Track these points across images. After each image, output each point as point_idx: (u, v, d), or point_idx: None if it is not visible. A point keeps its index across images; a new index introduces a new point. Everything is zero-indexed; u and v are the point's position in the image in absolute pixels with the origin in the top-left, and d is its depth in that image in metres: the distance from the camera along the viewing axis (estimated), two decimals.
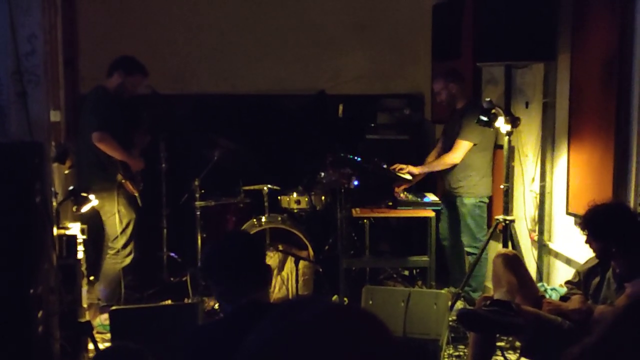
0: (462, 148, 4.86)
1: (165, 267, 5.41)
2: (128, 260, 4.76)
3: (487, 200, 4.98)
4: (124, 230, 4.70)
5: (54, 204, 3.77)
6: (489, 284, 4.73)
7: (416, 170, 5.05)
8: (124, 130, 4.77)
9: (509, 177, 4.48)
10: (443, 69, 5.30)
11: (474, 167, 4.90)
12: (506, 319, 3.23)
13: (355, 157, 5.11)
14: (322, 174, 5.22)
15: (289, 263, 5.10)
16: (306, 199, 5.39)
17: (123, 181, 4.67)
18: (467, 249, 4.97)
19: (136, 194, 4.78)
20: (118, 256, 4.72)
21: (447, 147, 5.02)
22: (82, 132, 4.73)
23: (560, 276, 4.29)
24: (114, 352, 2.18)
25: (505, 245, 4.34)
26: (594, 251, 3.29)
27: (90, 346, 3.60)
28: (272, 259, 5.20)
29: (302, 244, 5.21)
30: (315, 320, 0.83)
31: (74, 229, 4.06)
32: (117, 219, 4.65)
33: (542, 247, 4.52)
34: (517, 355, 3.93)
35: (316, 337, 0.82)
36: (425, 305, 4.17)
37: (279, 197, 5.44)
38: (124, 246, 4.72)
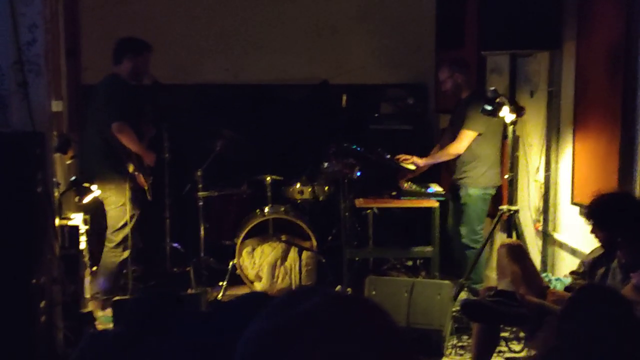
0: (466, 138, 4.80)
1: (168, 257, 5.41)
2: (126, 254, 4.72)
3: (493, 192, 4.87)
4: (125, 225, 4.66)
5: (56, 194, 3.76)
6: (491, 273, 4.72)
7: (421, 161, 5.01)
8: (136, 120, 4.74)
9: (513, 167, 4.45)
10: (449, 58, 5.25)
11: (480, 158, 4.82)
12: (510, 309, 3.21)
13: (358, 147, 5.09)
14: (325, 164, 5.20)
15: (292, 253, 5.09)
16: (309, 190, 5.37)
17: (136, 173, 4.62)
18: (464, 240, 4.90)
19: (146, 187, 4.76)
20: (117, 250, 4.69)
21: (453, 139, 4.97)
22: (94, 121, 4.64)
23: (565, 266, 4.27)
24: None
25: (509, 236, 4.32)
26: (599, 241, 3.27)
27: None
28: (275, 249, 5.20)
29: (305, 235, 5.20)
30: (315, 310, 0.82)
31: (77, 219, 4.05)
32: (122, 211, 4.62)
33: (546, 237, 4.50)
34: (521, 345, 3.92)
35: (316, 327, 0.81)
36: (428, 295, 4.16)
37: (282, 188, 5.43)
38: (122, 240, 4.68)
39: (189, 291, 4.93)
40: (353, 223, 5.30)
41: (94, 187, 4.34)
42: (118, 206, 4.62)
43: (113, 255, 4.69)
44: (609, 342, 1.98)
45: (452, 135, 5.00)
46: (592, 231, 3.25)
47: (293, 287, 5.02)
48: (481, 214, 4.89)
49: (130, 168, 4.57)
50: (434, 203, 4.81)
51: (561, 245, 4.40)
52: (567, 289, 3.47)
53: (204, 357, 1.56)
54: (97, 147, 4.61)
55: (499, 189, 4.94)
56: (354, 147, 5.09)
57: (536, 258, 4.30)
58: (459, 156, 4.86)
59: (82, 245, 3.98)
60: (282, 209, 5.33)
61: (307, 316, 0.81)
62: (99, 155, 4.60)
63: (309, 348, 0.79)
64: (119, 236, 4.65)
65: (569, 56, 4.22)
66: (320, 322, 0.81)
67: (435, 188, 4.96)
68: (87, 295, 4.17)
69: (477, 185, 4.83)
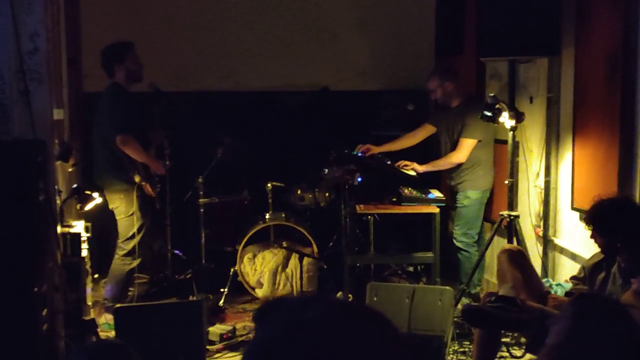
0: (467, 146, 4.84)
1: (170, 264, 5.41)
2: (136, 262, 4.73)
3: (487, 195, 4.99)
4: (134, 234, 4.65)
5: (58, 202, 3.77)
6: (491, 278, 4.73)
7: (421, 168, 5.04)
8: (141, 128, 4.73)
9: (513, 173, 4.47)
10: (438, 67, 5.28)
11: (480, 162, 4.89)
12: (511, 315, 3.21)
13: (359, 154, 5.10)
14: (326, 170, 5.21)
15: (293, 260, 5.10)
16: (310, 196, 5.38)
17: (143, 184, 4.63)
18: (457, 243, 4.92)
19: (154, 196, 4.76)
20: (127, 258, 4.69)
21: (450, 146, 5.00)
22: (100, 131, 4.65)
23: (565, 272, 4.28)
24: (97, 346, 2.17)
25: (510, 241, 4.33)
26: (599, 246, 3.28)
27: None
28: (276, 256, 5.20)
29: (306, 241, 5.20)
30: (321, 318, 0.83)
31: (78, 226, 4.05)
32: (131, 220, 4.62)
33: (547, 243, 4.51)
34: (522, 351, 3.92)
35: (322, 335, 0.82)
36: (429, 301, 4.16)
37: (282, 194, 5.44)
38: (132, 249, 4.69)
39: (191, 298, 4.93)
40: (354, 229, 5.30)
41: (95, 194, 4.34)
42: (127, 215, 4.63)
43: (123, 263, 4.70)
44: (611, 355, 1.99)
45: (445, 143, 5.04)
46: (592, 236, 3.26)
47: (294, 293, 5.02)
48: (477, 217, 4.93)
49: (137, 179, 4.57)
50: (434, 209, 4.83)
51: (561, 251, 4.41)
52: (568, 294, 3.48)
53: None
54: (104, 157, 4.63)
55: (492, 193, 4.99)
56: (355, 153, 5.10)
57: (537, 263, 4.31)
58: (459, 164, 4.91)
59: (84, 252, 3.98)
60: (283, 215, 5.34)
61: (313, 324, 0.82)
62: (107, 165, 4.62)
63: (313, 355, 0.80)
64: (129, 245, 4.66)
65: (567, 62, 4.24)
66: (326, 330, 0.82)
67: (435, 194, 4.98)
68: (89, 303, 4.17)
69: (476, 187, 4.91)
